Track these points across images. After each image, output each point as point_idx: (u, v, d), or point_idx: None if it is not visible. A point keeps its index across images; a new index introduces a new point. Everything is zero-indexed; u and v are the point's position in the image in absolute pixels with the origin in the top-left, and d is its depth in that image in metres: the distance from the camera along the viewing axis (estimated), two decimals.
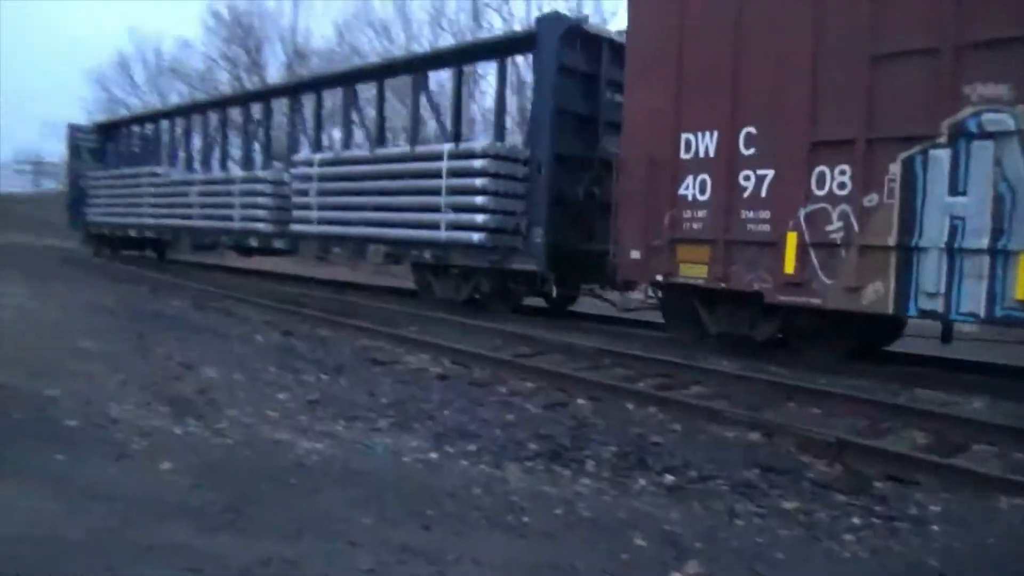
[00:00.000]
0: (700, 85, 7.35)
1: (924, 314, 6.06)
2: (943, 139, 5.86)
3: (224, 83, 37.07)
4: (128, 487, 3.63)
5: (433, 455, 4.24)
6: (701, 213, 7.42)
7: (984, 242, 5.66)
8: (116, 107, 41.10)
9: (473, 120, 23.55)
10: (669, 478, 3.93)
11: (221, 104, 17.07)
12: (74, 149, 22.87)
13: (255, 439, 4.51)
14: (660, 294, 8.23)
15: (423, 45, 32.30)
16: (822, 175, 6.54)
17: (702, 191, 7.41)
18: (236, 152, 16.33)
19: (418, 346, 7.33)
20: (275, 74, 37.15)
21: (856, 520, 3.44)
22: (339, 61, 33.99)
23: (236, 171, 15.39)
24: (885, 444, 4.47)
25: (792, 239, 6.67)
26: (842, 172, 6.42)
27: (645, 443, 4.47)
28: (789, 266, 6.69)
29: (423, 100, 11.68)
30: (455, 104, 11.64)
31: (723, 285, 7.23)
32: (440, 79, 13.66)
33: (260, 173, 14.42)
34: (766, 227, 6.91)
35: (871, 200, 6.26)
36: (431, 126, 12.29)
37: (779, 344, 7.49)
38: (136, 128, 21.24)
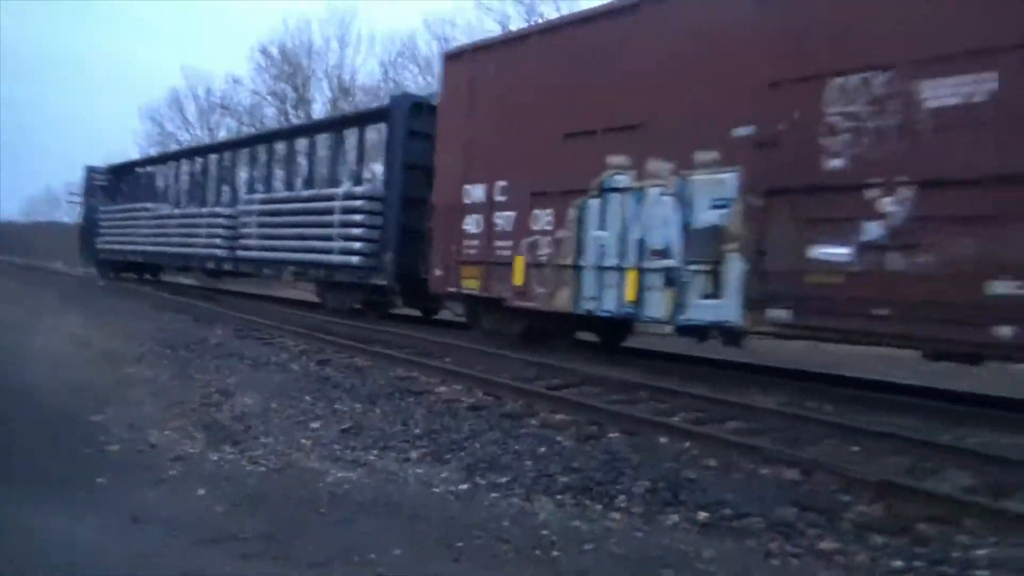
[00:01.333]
0: (475, 149, 10.11)
1: (588, 311, 8.56)
2: (595, 192, 8.46)
3: (271, 118, 38.15)
4: (165, 512, 3.70)
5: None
6: (475, 242, 10.11)
7: (615, 262, 8.20)
8: (168, 141, 42.56)
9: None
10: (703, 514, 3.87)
11: (202, 152, 20.66)
12: (89, 188, 26.17)
13: (289, 467, 4.57)
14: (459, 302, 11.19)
15: None
16: (536, 216, 9.23)
17: (476, 227, 10.09)
18: (213, 191, 19.36)
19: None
20: (321, 109, 38.15)
21: None
22: (383, 96, 34.75)
23: (202, 208, 18.53)
24: None
25: (520, 261, 9.39)
26: (548, 214, 9.07)
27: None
28: (518, 280, 9.37)
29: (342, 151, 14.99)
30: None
31: (486, 294, 9.92)
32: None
33: (218, 209, 17.27)
34: (508, 252, 9.60)
35: (561, 233, 8.90)
36: (344, 171, 15.05)
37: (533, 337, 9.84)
38: (140, 170, 24.25)
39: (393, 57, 36.78)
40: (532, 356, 8.57)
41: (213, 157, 19.72)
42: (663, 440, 5.25)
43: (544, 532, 3.58)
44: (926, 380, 7.97)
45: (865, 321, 6.20)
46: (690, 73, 7.50)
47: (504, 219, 9.62)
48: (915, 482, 4.33)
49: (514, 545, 3.41)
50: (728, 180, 7.14)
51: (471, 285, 10.09)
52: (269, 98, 40.58)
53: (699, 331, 7.70)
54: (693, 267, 7.42)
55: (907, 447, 5.18)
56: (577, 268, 8.59)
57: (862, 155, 6.24)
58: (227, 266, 16.77)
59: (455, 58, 11.02)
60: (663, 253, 7.72)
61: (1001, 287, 5.43)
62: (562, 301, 8.76)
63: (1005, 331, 5.41)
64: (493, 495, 4.15)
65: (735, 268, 7.04)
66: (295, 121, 33.84)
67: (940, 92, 5.80)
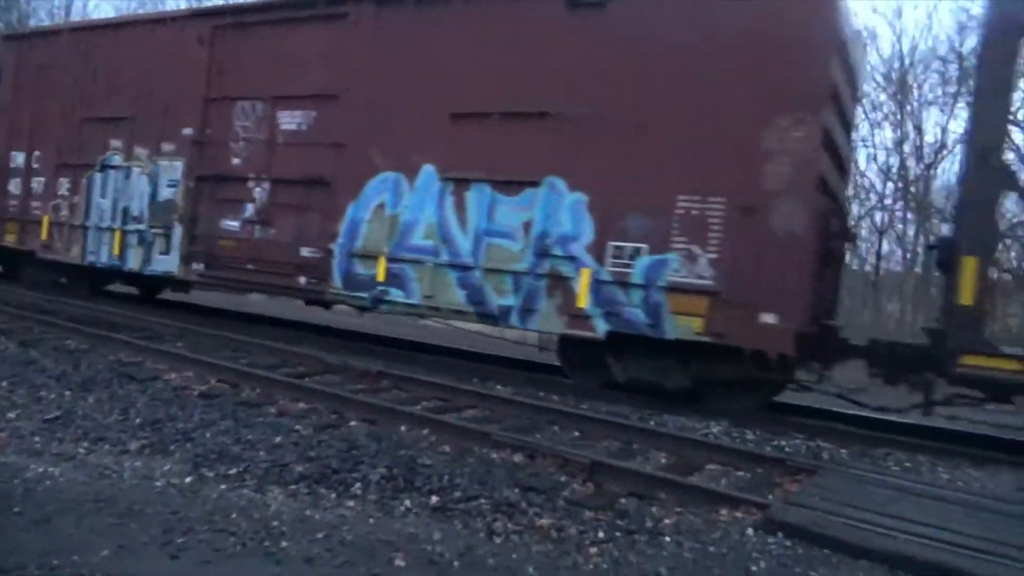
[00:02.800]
0: (21, 122, 11.79)
1: (90, 263, 10.65)
2: (99, 168, 10.62)
3: None
4: None
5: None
6: (15, 202, 11.76)
7: (108, 224, 10.49)
8: None
9: None
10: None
11: None
12: None
13: None
14: None
15: None
16: (60, 183, 11.12)
17: (16, 188, 11.77)
18: None
19: None
20: None
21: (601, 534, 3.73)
22: None
23: None
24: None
25: (46, 219, 11.24)
26: (68, 182, 11.05)
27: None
28: (44, 236, 11.22)
29: None
30: None
31: (22, 247, 11.66)
32: None
33: None
34: (39, 212, 11.37)
35: (76, 199, 10.86)
36: None
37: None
38: None
39: None
40: (276, 343, 8.27)
41: None
42: (403, 428, 5.36)
43: (275, 523, 3.49)
44: None
45: (243, 273, 9.14)
46: (161, 81, 10.02)
47: (38, 183, 11.49)
48: (621, 462, 4.87)
49: (240, 538, 3.29)
50: (179, 167, 9.78)
51: (10, 240, 11.84)
52: None
53: (157, 280, 10.96)
54: (155, 230, 9.95)
55: (619, 432, 5.81)
56: (84, 228, 10.74)
57: (249, 157, 9.17)
58: None
59: (10, 40, 12.94)
60: (138, 219, 10.17)
61: (306, 252, 8.57)
62: (75, 254, 10.85)
63: (302, 279, 8.61)
64: (221, 487, 3.96)
65: (178, 233, 9.72)
66: None
67: (287, 120, 8.87)
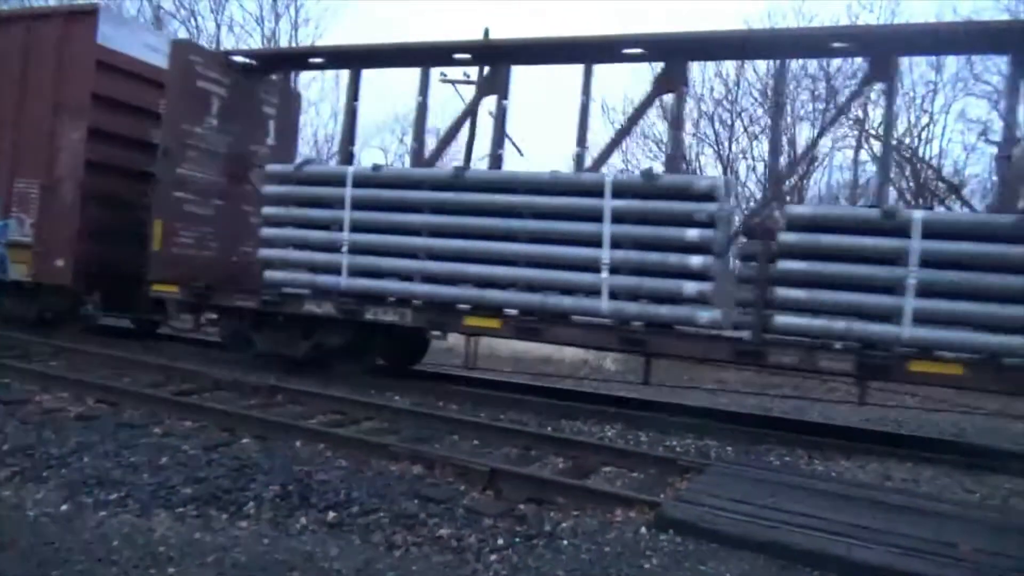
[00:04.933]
0: None
1: None
2: None
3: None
4: None
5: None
6: None
7: None
8: None
9: None
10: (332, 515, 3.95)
11: None
12: None
13: None
14: None
15: None
16: None
17: None
18: None
19: None
20: None
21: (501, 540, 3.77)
22: None
23: None
24: None
25: None
26: None
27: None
28: None
29: None
30: None
31: None
32: None
33: None
34: None
35: None
36: None
37: None
38: None
39: None
40: (160, 359, 7.89)
41: None
42: (298, 443, 5.23)
43: (161, 549, 3.34)
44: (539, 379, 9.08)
45: None
46: None
47: None
48: (519, 468, 4.94)
49: (123, 567, 3.13)
50: None
51: None
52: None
53: None
54: None
55: (517, 438, 5.89)
56: None
57: None
58: None
59: None
60: None
61: None
62: None
63: None
64: (101, 514, 3.75)
65: None
66: None
67: None
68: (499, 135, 7.97)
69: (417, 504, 4.14)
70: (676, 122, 7.93)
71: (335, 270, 7.72)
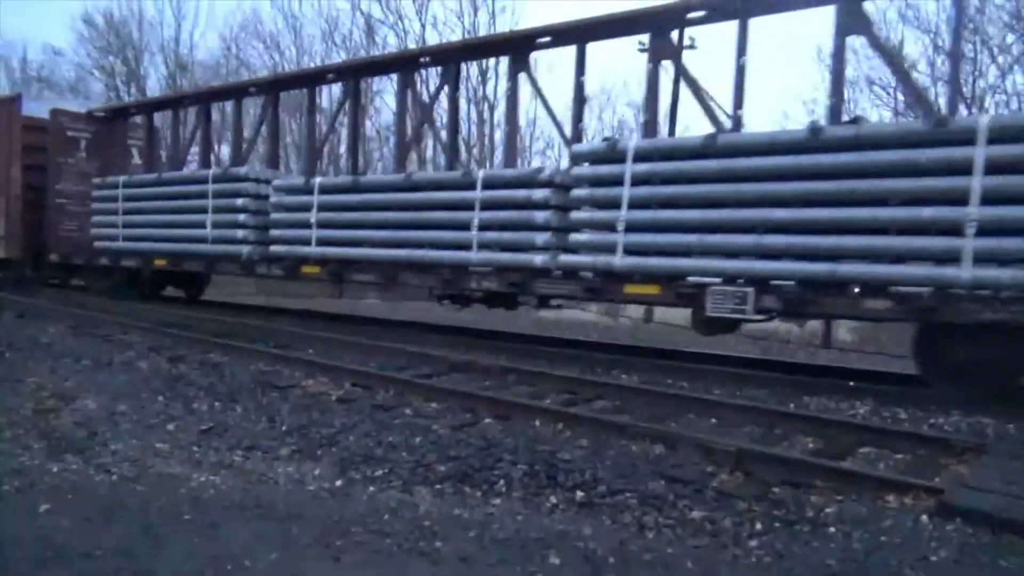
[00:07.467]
0: None
1: None
2: None
3: (99, 94, 34.99)
4: (4, 532, 3.32)
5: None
6: None
7: None
8: None
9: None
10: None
11: None
12: None
13: (144, 474, 4.23)
14: None
15: (315, 60, 31.68)
16: None
17: None
18: None
19: None
20: (155, 85, 35.51)
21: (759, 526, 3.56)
22: (225, 74, 32.83)
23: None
24: None
25: None
26: None
27: None
28: None
29: None
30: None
31: None
32: None
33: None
34: None
35: None
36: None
37: None
38: None
39: (235, 32, 34.91)
40: (396, 344, 8.45)
41: None
42: (536, 423, 5.33)
43: (426, 523, 3.53)
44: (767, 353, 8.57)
45: None
46: None
47: None
48: (768, 448, 4.65)
49: (395, 539, 3.34)
50: None
51: None
52: (96, 72, 37.32)
53: None
54: None
55: (758, 416, 5.56)
56: None
57: None
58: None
59: None
60: None
61: None
62: None
63: None
64: (370, 489, 4.05)
65: None
66: (126, 99, 31.27)
67: None
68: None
69: (664, 485, 4.03)
70: None
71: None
